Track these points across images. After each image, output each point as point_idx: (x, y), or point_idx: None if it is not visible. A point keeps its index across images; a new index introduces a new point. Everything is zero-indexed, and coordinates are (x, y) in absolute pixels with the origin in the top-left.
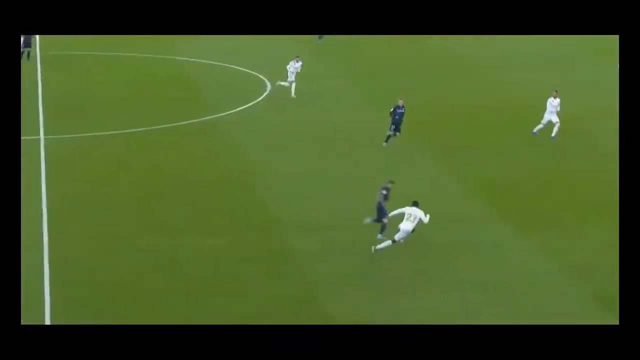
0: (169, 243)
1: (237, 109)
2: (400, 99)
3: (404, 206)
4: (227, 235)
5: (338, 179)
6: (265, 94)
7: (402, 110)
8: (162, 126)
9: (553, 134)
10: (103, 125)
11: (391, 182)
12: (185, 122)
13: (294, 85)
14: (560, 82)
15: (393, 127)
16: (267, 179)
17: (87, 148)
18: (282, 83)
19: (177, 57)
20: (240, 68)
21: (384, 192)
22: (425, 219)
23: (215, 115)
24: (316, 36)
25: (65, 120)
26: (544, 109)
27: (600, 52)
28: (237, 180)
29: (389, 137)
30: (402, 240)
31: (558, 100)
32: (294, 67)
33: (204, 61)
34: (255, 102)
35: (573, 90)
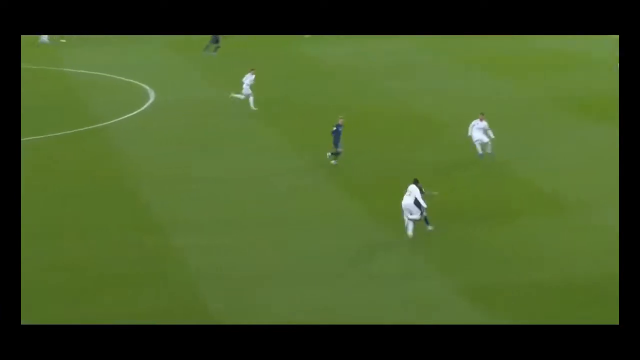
0: (51, 245)
1: (121, 118)
2: (341, 118)
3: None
4: (114, 236)
5: (219, 181)
6: (149, 102)
7: (341, 129)
8: (44, 136)
9: (490, 151)
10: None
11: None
12: (68, 132)
13: (251, 98)
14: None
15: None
16: (151, 182)
17: None
18: (236, 95)
19: (61, 68)
20: (123, 78)
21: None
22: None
23: (100, 125)
24: (211, 44)
25: None
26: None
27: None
28: (121, 185)
29: (334, 154)
30: (418, 215)
31: (485, 122)
32: (249, 79)
33: (88, 72)
34: (139, 110)
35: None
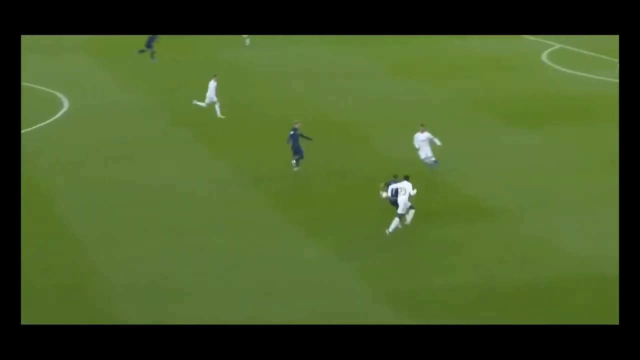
0: None
1: (32, 128)
2: (297, 122)
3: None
4: (27, 248)
5: (136, 188)
6: (62, 110)
7: (298, 133)
8: None
9: (434, 162)
10: None
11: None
12: None
13: (217, 105)
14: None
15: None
16: (64, 193)
17: None
18: (199, 103)
19: None
20: (35, 86)
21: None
22: (413, 192)
23: None
24: (147, 49)
25: None
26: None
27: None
28: (32, 195)
29: (295, 160)
30: (404, 212)
31: (426, 134)
32: (212, 87)
33: None
34: (51, 119)
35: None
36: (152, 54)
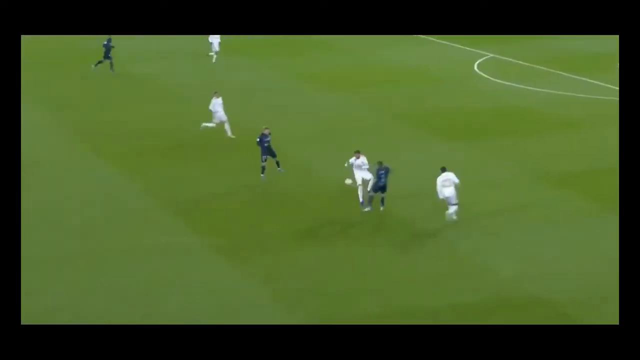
0: None
1: None
2: (266, 129)
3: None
4: None
5: (32, 212)
6: None
7: (269, 139)
8: None
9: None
10: None
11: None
12: None
13: (227, 124)
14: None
15: (264, 157)
16: None
17: None
18: (208, 125)
19: None
20: None
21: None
22: (457, 181)
23: None
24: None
25: None
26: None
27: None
28: None
29: (263, 168)
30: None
31: (362, 159)
32: (217, 104)
33: None
34: None
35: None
36: (109, 64)
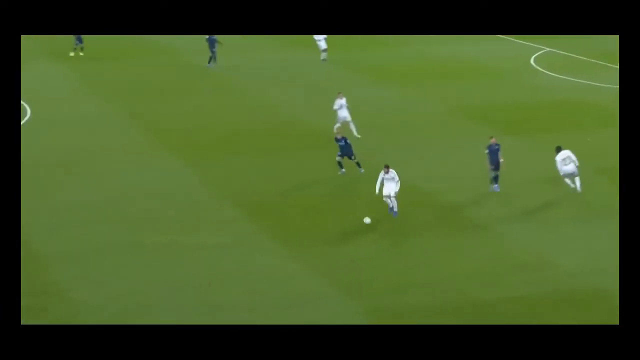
0: None
1: None
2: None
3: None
4: None
5: (95, 205)
6: (25, 119)
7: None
8: None
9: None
10: None
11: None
12: None
13: (352, 124)
14: None
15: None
16: (27, 208)
17: None
18: (337, 125)
19: None
20: None
21: None
22: (575, 158)
23: None
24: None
25: None
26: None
27: None
28: None
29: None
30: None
31: (392, 172)
32: (339, 104)
33: None
34: None
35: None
36: (213, 58)
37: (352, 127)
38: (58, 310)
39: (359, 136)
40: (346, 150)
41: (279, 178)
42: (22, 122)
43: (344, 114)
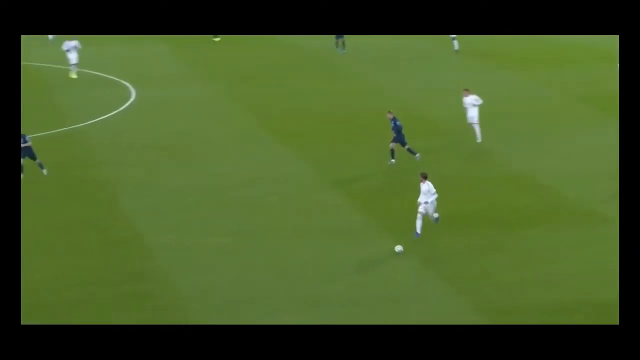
0: (30, 263)
1: (100, 118)
2: (390, 113)
3: None
4: (90, 253)
5: (203, 189)
6: (130, 101)
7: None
8: None
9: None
10: None
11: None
12: (41, 134)
13: (477, 127)
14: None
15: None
16: (130, 191)
17: None
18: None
19: (32, 63)
20: (101, 74)
21: None
22: None
23: (74, 126)
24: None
25: None
26: None
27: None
28: (98, 194)
29: (409, 151)
30: None
31: (427, 185)
32: (465, 102)
33: (61, 67)
34: (118, 110)
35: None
36: (342, 43)
37: (476, 129)
38: (161, 297)
39: (478, 141)
40: (396, 133)
41: (383, 163)
42: (126, 104)
43: (470, 113)
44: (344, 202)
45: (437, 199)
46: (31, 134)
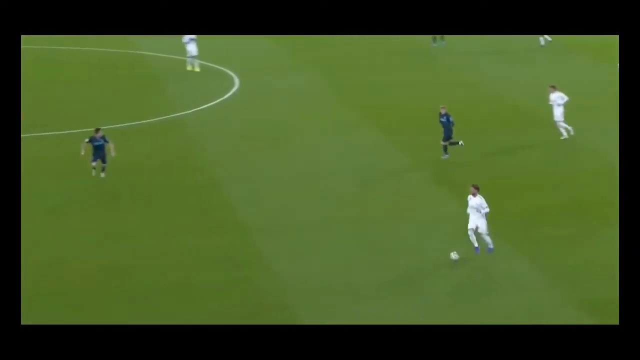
0: (132, 246)
1: (203, 107)
2: (443, 107)
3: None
4: (193, 237)
5: (306, 179)
6: (233, 90)
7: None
8: (122, 125)
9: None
10: (64, 124)
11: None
12: (148, 121)
13: (561, 125)
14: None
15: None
16: (232, 181)
17: (47, 147)
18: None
19: (140, 52)
20: (206, 63)
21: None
22: None
23: (180, 114)
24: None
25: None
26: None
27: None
28: (200, 182)
29: (451, 144)
30: None
31: (478, 199)
32: (552, 99)
33: (169, 56)
34: (222, 99)
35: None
36: (440, 36)
37: (561, 129)
38: (260, 282)
39: (561, 138)
40: (445, 129)
41: (476, 156)
42: (229, 93)
43: (555, 111)
44: (443, 192)
45: (487, 214)
46: (139, 121)
